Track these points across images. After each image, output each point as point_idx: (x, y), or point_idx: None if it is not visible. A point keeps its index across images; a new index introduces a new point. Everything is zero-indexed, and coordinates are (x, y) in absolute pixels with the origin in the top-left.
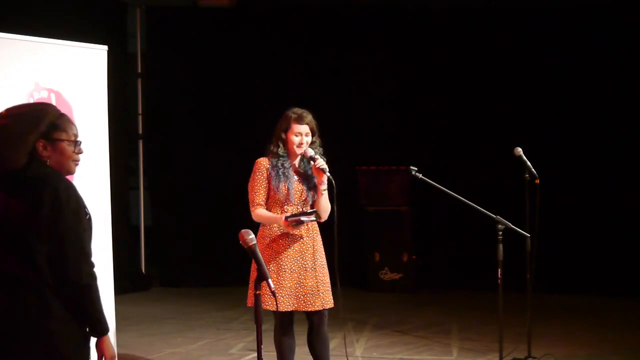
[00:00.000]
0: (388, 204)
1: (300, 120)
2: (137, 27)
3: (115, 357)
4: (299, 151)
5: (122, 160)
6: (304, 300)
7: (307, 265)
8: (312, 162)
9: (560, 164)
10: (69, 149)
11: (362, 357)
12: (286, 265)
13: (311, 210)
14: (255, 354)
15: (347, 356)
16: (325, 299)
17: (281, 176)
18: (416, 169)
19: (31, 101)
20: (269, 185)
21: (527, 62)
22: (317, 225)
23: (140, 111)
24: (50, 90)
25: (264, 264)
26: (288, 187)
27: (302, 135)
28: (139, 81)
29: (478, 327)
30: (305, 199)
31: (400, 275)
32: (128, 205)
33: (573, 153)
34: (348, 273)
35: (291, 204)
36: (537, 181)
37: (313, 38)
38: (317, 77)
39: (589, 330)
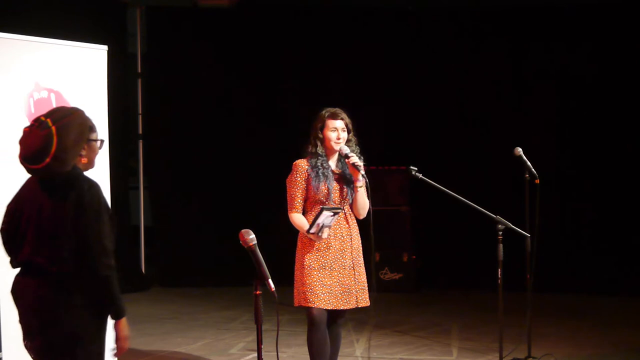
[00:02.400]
0: (388, 203)
1: (334, 116)
2: (137, 27)
3: (128, 337)
4: (336, 147)
5: (122, 160)
6: (341, 299)
7: (346, 264)
8: (346, 160)
9: (560, 164)
10: (97, 146)
11: (362, 357)
12: (327, 263)
13: (319, 212)
14: (256, 354)
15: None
16: (359, 298)
17: (321, 176)
18: (416, 169)
19: (31, 101)
20: (308, 187)
21: (526, 61)
22: (356, 224)
23: (140, 111)
24: (50, 90)
25: (264, 264)
26: (328, 187)
27: (338, 131)
28: (139, 81)
29: (478, 327)
30: (345, 197)
31: (400, 275)
32: (128, 205)
33: (573, 153)
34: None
35: (331, 203)
36: (537, 181)
37: (313, 38)
38: (317, 76)
39: (589, 330)
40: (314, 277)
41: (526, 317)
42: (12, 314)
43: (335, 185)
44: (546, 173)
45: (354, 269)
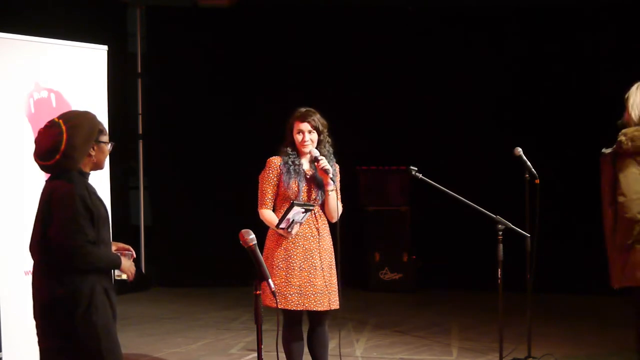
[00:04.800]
0: (388, 204)
1: (302, 118)
2: (137, 27)
3: (132, 271)
4: (305, 150)
5: (122, 160)
6: (313, 300)
7: (316, 264)
8: (316, 163)
9: (560, 164)
10: (107, 148)
11: (362, 357)
12: (296, 263)
13: (289, 207)
14: (256, 354)
15: (340, 356)
16: (332, 299)
17: (292, 173)
18: (416, 169)
19: (31, 101)
20: (279, 183)
21: (526, 61)
22: (327, 225)
23: (140, 111)
24: (50, 90)
25: (264, 263)
26: (298, 185)
27: (304, 133)
28: (139, 81)
29: (478, 327)
30: (315, 198)
31: (400, 275)
32: (128, 205)
33: (573, 153)
34: (348, 273)
35: (300, 201)
36: (537, 181)
37: (313, 38)
38: (318, 76)
39: (589, 330)
40: (281, 279)
41: (526, 317)
42: (12, 314)
43: (305, 185)
44: (546, 173)
45: (324, 269)
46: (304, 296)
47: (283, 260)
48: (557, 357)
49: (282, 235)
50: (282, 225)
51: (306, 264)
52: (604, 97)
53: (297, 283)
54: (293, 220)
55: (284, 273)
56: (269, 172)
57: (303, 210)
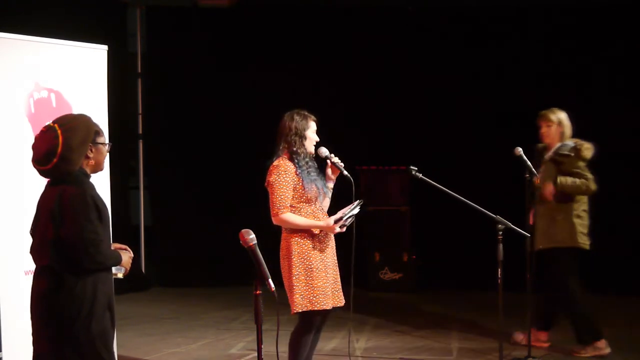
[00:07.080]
0: (388, 203)
1: (313, 118)
2: (137, 27)
3: (129, 263)
4: (313, 149)
5: (122, 160)
6: (337, 296)
7: (336, 262)
8: (328, 161)
9: None
10: (105, 149)
11: (362, 357)
12: (329, 262)
13: (357, 203)
14: (256, 354)
15: (349, 356)
16: (342, 295)
17: (312, 175)
18: (416, 169)
19: (31, 101)
20: (295, 187)
21: (527, 61)
22: None
23: (140, 111)
24: (50, 90)
25: (264, 264)
26: (317, 186)
27: (315, 133)
28: (139, 81)
29: (478, 327)
30: (324, 195)
31: (400, 275)
32: (128, 205)
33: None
34: (348, 273)
35: (318, 201)
36: (537, 181)
37: (313, 38)
38: (317, 76)
39: None
40: (322, 279)
41: (526, 317)
42: (12, 314)
43: (320, 184)
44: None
45: (337, 266)
46: (332, 294)
47: (320, 260)
48: (557, 357)
49: (327, 232)
50: (343, 223)
51: (331, 263)
52: (604, 96)
53: (332, 280)
54: (350, 216)
55: (323, 274)
56: (284, 177)
57: (359, 208)
